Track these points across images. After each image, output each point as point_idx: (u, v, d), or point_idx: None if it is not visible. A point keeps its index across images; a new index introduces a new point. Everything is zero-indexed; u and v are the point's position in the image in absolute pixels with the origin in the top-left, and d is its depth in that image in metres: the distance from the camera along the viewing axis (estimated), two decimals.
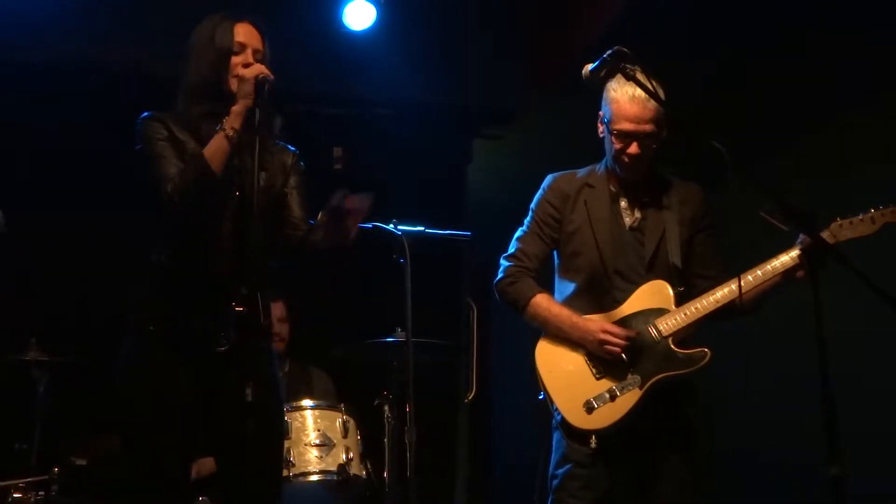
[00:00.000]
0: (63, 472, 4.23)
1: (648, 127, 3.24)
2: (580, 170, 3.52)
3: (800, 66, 4.80)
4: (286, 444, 4.13)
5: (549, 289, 3.47)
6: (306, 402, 4.44)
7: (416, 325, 3.94)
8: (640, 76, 3.10)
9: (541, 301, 3.36)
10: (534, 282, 3.41)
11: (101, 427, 4.63)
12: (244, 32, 3.09)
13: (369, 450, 4.51)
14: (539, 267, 3.46)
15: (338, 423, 4.38)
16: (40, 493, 4.17)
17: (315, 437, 4.30)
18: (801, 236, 3.11)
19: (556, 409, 3.27)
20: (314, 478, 4.25)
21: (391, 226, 4.05)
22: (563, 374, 3.29)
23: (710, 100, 4.98)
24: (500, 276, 3.47)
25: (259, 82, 2.94)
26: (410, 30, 5.69)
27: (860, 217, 3.11)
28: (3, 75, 5.32)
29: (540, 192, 3.51)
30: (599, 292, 3.34)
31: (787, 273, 3.18)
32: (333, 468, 4.27)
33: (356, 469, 4.33)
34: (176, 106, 3.08)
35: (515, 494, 6.16)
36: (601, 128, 3.38)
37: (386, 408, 4.50)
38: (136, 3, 5.36)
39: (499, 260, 3.52)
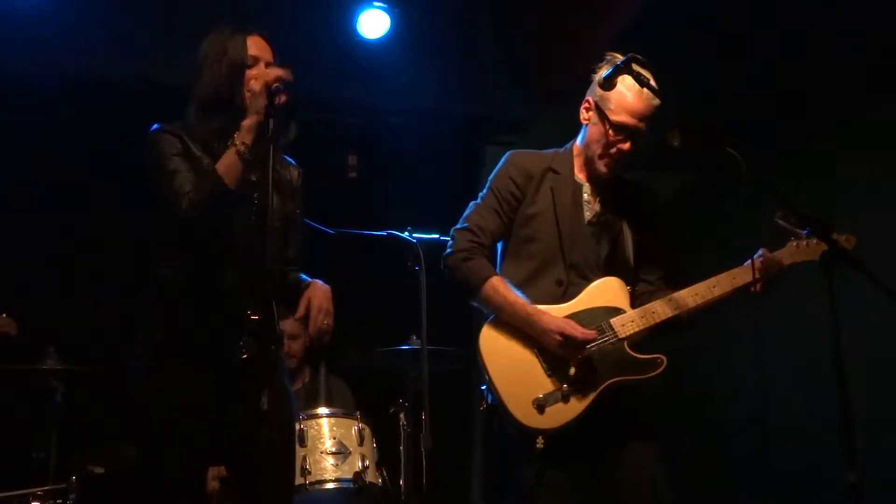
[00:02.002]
0: (81, 481, 4.24)
1: (643, 125, 3.16)
2: (543, 151, 3.38)
3: (816, 67, 4.80)
4: (302, 452, 4.14)
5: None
6: (322, 410, 4.44)
7: (431, 332, 3.94)
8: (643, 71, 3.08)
9: (497, 285, 3.16)
10: (488, 261, 3.24)
11: (118, 436, 4.66)
12: (256, 45, 3.09)
13: (385, 457, 4.51)
14: (493, 245, 3.29)
15: (353, 431, 4.38)
16: (58, 501, 4.18)
17: (331, 445, 4.30)
18: (760, 251, 3.12)
19: (503, 403, 3.11)
20: (330, 486, 4.24)
21: (406, 233, 4.06)
22: (511, 365, 3.13)
23: (726, 105, 4.98)
24: (451, 249, 3.26)
25: (273, 90, 2.94)
26: (424, 38, 5.71)
27: (805, 243, 3.12)
28: (12, 84, 5.35)
29: (501, 165, 3.34)
30: (550, 283, 3.20)
31: (743, 288, 3.13)
32: (349, 476, 4.26)
33: (372, 477, 4.33)
34: (187, 119, 3.07)
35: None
36: (588, 114, 3.26)
37: (401, 415, 4.50)
38: (147, 14, 5.39)
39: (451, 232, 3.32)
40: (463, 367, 5.03)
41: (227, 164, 2.91)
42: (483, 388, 3.21)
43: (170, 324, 2.99)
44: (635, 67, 2.96)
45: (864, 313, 3.54)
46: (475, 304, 3.27)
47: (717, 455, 5.73)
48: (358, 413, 4.50)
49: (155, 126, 3.06)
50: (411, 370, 4.46)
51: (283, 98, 2.91)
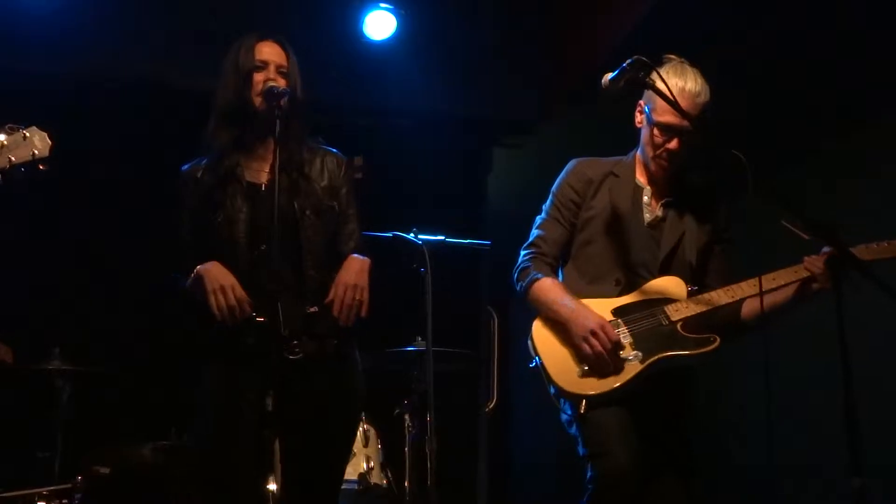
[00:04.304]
0: (86, 481, 4.25)
1: (689, 124, 3.11)
2: (607, 158, 3.42)
3: (826, 68, 4.78)
4: None
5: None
6: None
7: (436, 334, 3.93)
8: (689, 70, 3.11)
9: (544, 284, 3.26)
10: (547, 266, 3.31)
11: (124, 436, 4.67)
12: (267, 50, 3.16)
13: (390, 459, 4.51)
14: (557, 252, 3.36)
15: (358, 433, 4.38)
16: (63, 501, 4.18)
17: None
18: (824, 249, 3.04)
19: (548, 373, 3.16)
20: None
21: (411, 235, 4.05)
22: (559, 343, 3.19)
23: (733, 105, 4.97)
24: (517, 263, 3.39)
25: (278, 94, 2.98)
26: (430, 40, 5.71)
27: (885, 243, 3.06)
28: (17, 84, 5.37)
29: (562, 175, 3.41)
30: (609, 284, 3.24)
31: (803, 284, 3.10)
32: (354, 477, 4.26)
33: (377, 478, 4.33)
34: (209, 131, 3.17)
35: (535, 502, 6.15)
36: (640, 117, 3.28)
37: (406, 417, 4.49)
38: (157, 17, 5.40)
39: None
40: (468, 369, 5.04)
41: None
42: (532, 364, 3.24)
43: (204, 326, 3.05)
44: (645, 78, 2.95)
45: (870, 315, 3.52)
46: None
47: (721, 456, 5.71)
48: (363, 414, 4.50)
49: (182, 168, 3.23)
50: (416, 372, 4.46)
51: (282, 101, 2.98)
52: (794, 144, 5.03)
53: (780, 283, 3.12)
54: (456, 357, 4.54)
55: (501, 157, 6.60)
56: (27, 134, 2.84)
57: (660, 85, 3.01)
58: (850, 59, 4.66)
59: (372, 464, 4.33)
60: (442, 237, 4.13)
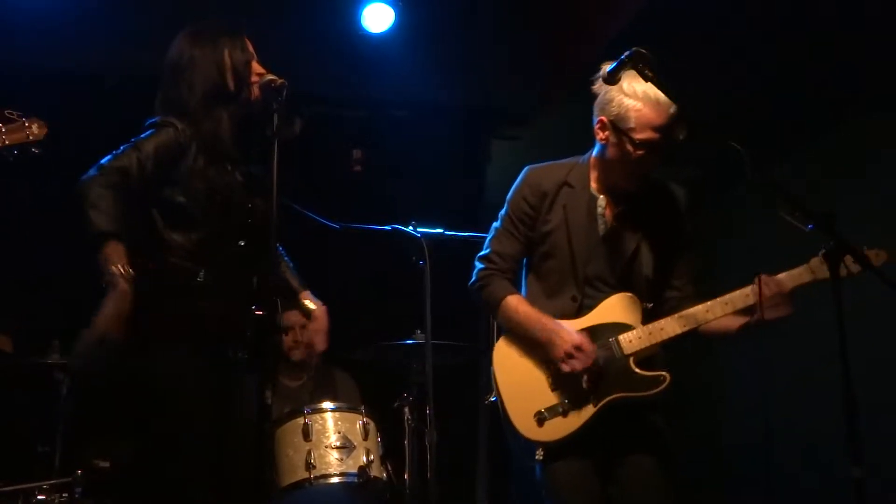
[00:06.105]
0: (86, 475, 4.25)
1: (665, 136, 3.08)
2: (561, 161, 3.35)
3: (823, 64, 4.78)
4: (307, 446, 4.15)
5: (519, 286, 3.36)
6: (326, 405, 4.44)
7: (435, 326, 3.95)
8: (649, 83, 3.02)
9: (511, 302, 3.24)
10: (507, 282, 3.29)
11: (124, 429, 4.66)
12: (250, 45, 3.17)
13: (390, 452, 4.51)
14: (514, 266, 3.33)
15: (358, 426, 4.37)
16: (64, 495, 4.18)
17: (335, 439, 4.30)
18: (763, 275, 3.04)
19: (506, 414, 3.16)
20: (335, 480, 4.24)
21: (410, 228, 4.06)
22: (518, 377, 3.18)
23: (731, 100, 4.96)
24: (472, 279, 3.36)
25: (278, 88, 2.98)
26: (428, 31, 5.70)
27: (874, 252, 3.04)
28: (22, 78, 5.36)
29: (517, 185, 3.35)
30: (566, 300, 3.21)
31: (747, 311, 3.07)
32: (354, 470, 4.26)
33: (377, 471, 4.33)
34: (188, 113, 3.09)
35: (536, 496, 6.16)
36: (604, 134, 3.17)
37: (406, 409, 4.50)
38: (153, 10, 5.39)
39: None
40: (467, 362, 5.04)
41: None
42: (493, 399, 3.25)
43: (177, 315, 3.00)
44: (644, 68, 2.93)
45: (867, 308, 3.53)
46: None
47: (720, 452, 5.72)
48: (363, 407, 4.50)
49: (162, 119, 3.09)
50: (416, 364, 4.46)
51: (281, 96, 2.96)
52: (792, 141, 5.04)
53: (731, 309, 3.09)
54: (455, 349, 4.54)
55: (500, 149, 6.60)
56: (26, 122, 3.04)
57: (629, 101, 3.02)
58: (850, 56, 4.66)
59: (372, 457, 4.32)
60: (440, 230, 4.13)
